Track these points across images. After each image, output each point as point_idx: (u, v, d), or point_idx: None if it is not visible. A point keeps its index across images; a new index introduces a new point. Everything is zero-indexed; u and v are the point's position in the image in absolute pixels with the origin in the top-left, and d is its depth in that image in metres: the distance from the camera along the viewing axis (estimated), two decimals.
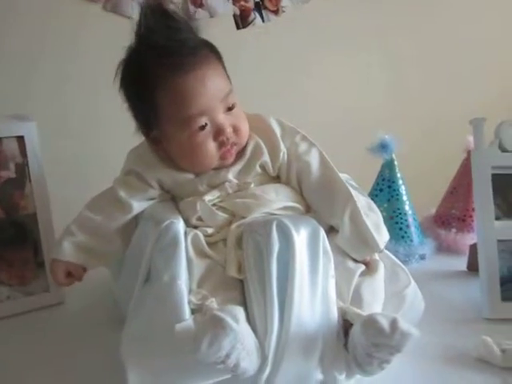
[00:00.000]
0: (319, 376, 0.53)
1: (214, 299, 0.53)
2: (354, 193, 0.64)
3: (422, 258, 0.92)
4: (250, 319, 0.53)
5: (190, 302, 0.53)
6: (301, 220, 0.58)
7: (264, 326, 0.52)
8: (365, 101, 1.30)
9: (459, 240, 0.95)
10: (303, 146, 0.65)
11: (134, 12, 1.27)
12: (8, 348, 0.67)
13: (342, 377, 0.52)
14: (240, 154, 0.64)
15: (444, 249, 0.96)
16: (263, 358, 0.51)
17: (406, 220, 0.93)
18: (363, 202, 0.64)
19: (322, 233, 0.57)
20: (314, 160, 0.64)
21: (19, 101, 1.09)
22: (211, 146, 0.62)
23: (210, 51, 0.63)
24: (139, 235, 0.62)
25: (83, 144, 1.03)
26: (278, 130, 0.65)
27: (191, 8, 1.35)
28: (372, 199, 0.94)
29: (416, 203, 0.99)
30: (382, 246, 0.62)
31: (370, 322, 0.49)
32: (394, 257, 0.65)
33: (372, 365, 0.50)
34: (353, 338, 0.51)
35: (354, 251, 0.61)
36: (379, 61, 1.36)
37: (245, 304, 0.54)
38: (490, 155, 0.75)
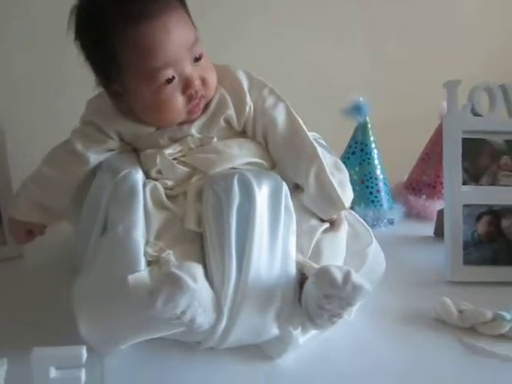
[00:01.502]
0: (275, 330, 0.52)
1: (171, 251, 0.52)
2: (320, 151, 0.62)
3: (391, 222, 0.92)
4: (207, 272, 0.52)
5: (146, 254, 0.52)
6: (264, 175, 0.57)
7: (221, 280, 0.51)
8: (342, 64, 1.28)
9: (428, 206, 0.96)
10: (270, 100, 0.62)
11: None
12: None
13: (297, 332, 0.52)
14: (204, 107, 0.61)
15: (413, 215, 0.96)
16: (219, 311, 0.50)
17: (376, 184, 0.93)
18: (329, 160, 0.63)
19: (285, 189, 0.56)
20: (280, 115, 0.62)
21: None
22: (179, 101, 0.59)
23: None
24: (96, 185, 0.59)
25: (44, 94, 0.98)
26: (245, 83, 0.62)
27: None
28: (344, 162, 0.92)
29: (389, 168, 0.99)
30: (347, 204, 0.61)
31: (323, 273, 0.48)
32: (357, 215, 0.65)
33: (322, 317, 0.50)
34: (306, 290, 0.51)
35: (320, 210, 0.60)
36: (358, 28, 1.33)
37: (203, 257, 0.53)
38: (461, 119, 0.74)
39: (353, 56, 1.31)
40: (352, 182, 0.91)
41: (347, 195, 0.61)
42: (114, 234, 0.52)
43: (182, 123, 0.61)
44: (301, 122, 0.62)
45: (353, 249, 0.60)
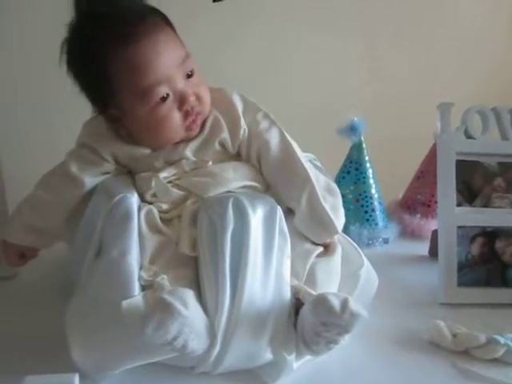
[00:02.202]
0: (269, 355, 0.52)
1: (165, 276, 0.52)
2: (314, 173, 0.63)
3: (386, 241, 0.93)
4: (201, 297, 0.52)
5: (140, 279, 0.52)
6: (258, 198, 0.57)
7: (215, 304, 0.51)
8: (337, 83, 1.29)
9: (423, 225, 0.96)
10: (264, 124, 0.63)
11: None
12: None
13: (291, 357, 0.52)
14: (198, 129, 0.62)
15: (408, 234, 0.96)
16: (213, 337, 0.50)
17: (371, 203, 0.93)
18: (322, 182, 0.63)
19: (280, 212, 0.56)
20: (274, 139, 0.62)
21: None
22: (176, 118, 0.59)
23: (158, 17, 0.60)
24: (91, 208, 0.59)
25: (37, 118, 0.98)
26: (239, 106, 0.63)
27: None
28: (339, 181, 0.94)
29: (383, 187, 0.99)
30: (339, 228, 0.61)
31: (321, 301, 0.48)
32: (347, 237, 0.65)
33: (319, 344, 0.50)
34: (302, 317, 0.51)
35: (312, 234, 0.60)
36: (357, 43, 1.35)
37: (197, 282, 0.53)
38: (455, 141, 0.74)
39: (348, 74, 1.33)
40: (347, 201, 0.93)
41: (340, 219, 0.62)
42: (109, 258, 0.52)
43: (177, 144, 0.62)
44: (294, 146, 0.63)
45: (345, 271, 0.60)
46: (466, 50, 1.36)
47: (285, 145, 0.62)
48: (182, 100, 0.59)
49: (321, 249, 0.60)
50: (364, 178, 0.93)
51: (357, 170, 0.93)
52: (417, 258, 0.88)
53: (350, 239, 0.65)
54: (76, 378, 0.43)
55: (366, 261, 0.62)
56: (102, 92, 0.60)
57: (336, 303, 0.47)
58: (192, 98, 0.59)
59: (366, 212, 0.92)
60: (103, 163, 0.62)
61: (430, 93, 1.32)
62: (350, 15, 1.33)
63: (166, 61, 0.57)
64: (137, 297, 0.50)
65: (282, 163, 0.62)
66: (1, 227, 0.67)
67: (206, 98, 0.61)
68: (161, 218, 0.58)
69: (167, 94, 0.58)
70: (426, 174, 1.00)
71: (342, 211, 0.62)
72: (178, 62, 0.58)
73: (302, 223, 0.60)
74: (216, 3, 1.35)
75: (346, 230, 0.90)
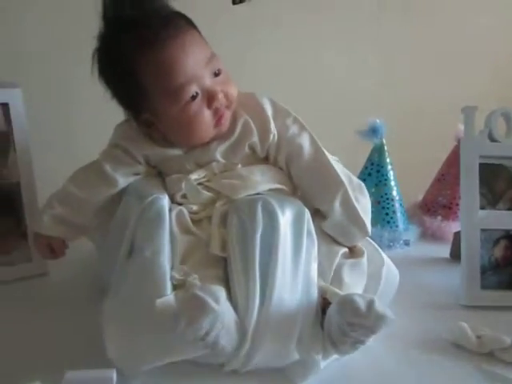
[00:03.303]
0: (297, 354, 0.53)
1: (196, 275, 0.53)
2: (346, 174, 0.64)
3: (407, 243, 0.93)
4: (231, 296, 0.53)
5: (172, 278, 0.53)
6: (286, 200, 0.58)
7: (245, 304, 0.52)
8: (357, 85, 1.30)
9: (444, 227, 0.96)
10: (294, 129, 0.64)
11: None
12: None
13: (318, 356, 0.53)
14: (228, 132, 0.63)
15: (429, 236, 0.97)
16: (243, 335, 0.52)
17: (392, 205, 0.94)
18: (355, 183, 0.64)
19: (307, 214, 0.57)
20: (304, 144, 0.63)
21: (3, 67, 1.06)
22: (207, 115, 0.61)
23: (182, 20, 0.61)
24: (123, 209, 0.61)
25: (69, 113, 1.01)
26: (269, 111, 0.64)
27: None
28: None
29: (404, 189, 1.00)
30: (370, 231, 0.62)
31: (347, 301, 0.49)
32: (368, 238, 0.66)
33: (345, 344, 0.51)
34: (329, 316, 0.52)
35: (345, 237, 0.61)
36: (373, 46, 1.35)
37: (226, 281, 0.55)
38: (478, 144, 0.75)
39: (366, 76, 1.33)
40: None
41: (369, 220, 0.63)
42: (142, 259, 0.54)
43: (207, 146, 0.63)
44: (324, 150, 0.64)
45: (368, 271, 0.61)
46: (484, 47, 1.36)
47: (315, 149, 0.63)
48: (210, 98, 0.60)
49: (345, 249, 0.61)
50: (385, 180, 0.94)
51: (378, 172, 0.94)
52: (438, 259, 0.89)
53: (369, 239, 0.65)
54: (114, 374, 0.44)
55: (386, 259, 0.63)
56: (134, 97, 0.62)
57: (362, 304, 0.48)
58: (221, 96, 0.60)
59: (387, 214, 0.93)
60: (135, 164, 0.64)
61: (449, 94, 1.32)
62: (367, 22, 1.34)
63: (193, 61, 0.59)
64: (169, 296, 0.51)
65: (313, 168, 0.62)
66: (33, 223, 0.69)
67: (233, 95, 0.62)
68: (191, 219, 0.59)
69: (196, 93, 0.60)
70: (447, 175, 1.00)
71: (370, 213, 0.63)
72: (204, 62, 0.60)
73: (334, 226, 0.61)
74: (236, 5, 1.37)
75: None
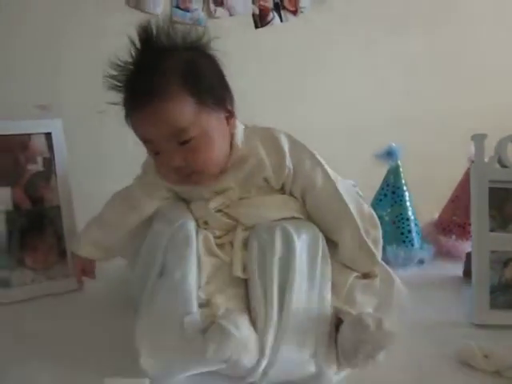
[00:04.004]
0: (312, 368, 0.58)
1: (220, 296, 0.59)
2: (358, 204, 0.67)
3: (421, 262, 0.97)
4: (251, 314, 0.59)
5: (198, 297, 0.59)
6: (303, 226, 0.63)
7: (264, 321, 0.57)
8: (375, 107, 1.34)
9: (458, 246, 0.99)
10: (309, 164, 0.67)
11: (155, 8, 1.32)
12: (29, 328, 0.73)
13: (331, 370, 0.57)
14: (240, 164, 0.66)
15: (443, 254, 1.00)
16: (262, 350, 0.56)
17: (407, 225, 0.97)
18: (366, 213, 0.68)
19: (322, 239, 0.62)
20: (318, 179, 0.66)
21: (45, 92, 1.15)
22: (168, 170, 0.64)
23: (180, 80, 0.61)
24: (154, 233, 0.67)
25: (106, 141, 1.09)
26: (286, 146, 0.67)
27: (212, 6, 1.39)
28: (376, 204, 0.99)
29: (419, 208, 1.03)
30: (379, 260, 0.66)
31: (358, 320, 0.54)
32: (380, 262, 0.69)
33: (357, 358, 0.55)
34: (342, 333, 0.56)
35: (355, 265, 0.65)
36: (392, 69, 1.39)
37: (247, 300, 0.60)
38: (488, 169, 0.78)
39: (385, 99, 1.37)
40: (384, 223, 0.98)
41: (380, 250, 0.67)
42: (172, 280, 0.60)
43: (222, 174, 0.66)
44: (337, 184, 0.66)
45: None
46: (501, 74, 1.38)
47: (329, 185, 0.66)
48: (167, 161, 0.63)
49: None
50: (401, 201, 0.97)
51: (393, 193, 0.98)
52: (451, 278, 0.92)
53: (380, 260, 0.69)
54: (147, 382, 0.50)
55: (396, 278, 0.67)
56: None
57: (371, 323, 0.53)
58: (177, 161, 0.62)
59: (403, 234, 0.97)
60: (163, 190, 0.70)
61: (463, 114, 1.35)
62: (387, 40, 1.38)
63: (157, 129, 0.61)
64: (195, 313, 0.57)
65: (325, 203, 0.66)
66: (71, 242, 0.76)
67: (200, 160, 0.63)
68: (215, 243, 0.64)
69: (157, 152, 0.64)
70: (462, 196, 1.03)
71: (381, 242, 0.67)
72: (171, 132, 0.61)
73: (344, 257, 0.65)
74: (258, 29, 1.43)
75: (383, 250, 0.95)
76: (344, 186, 0.69)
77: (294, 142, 0.68)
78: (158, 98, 0.61)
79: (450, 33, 1.44)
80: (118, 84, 0.64)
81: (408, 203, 0.98)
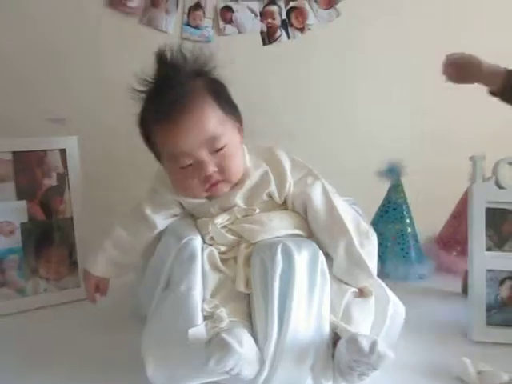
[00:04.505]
0: (309, 381, 0.61)
1: (223, 309, 0.62)
2: (355, 219, 0.71)
3: (421, 277, 0.99)
4: (253, 328, 0.62)
5: (203, 310, 0.62)
6: (303, 243, 0.66)
7: (264, 335, 0.60)
8: (380, 127, 1.36)
9: (458, 263, 1.01)
10: (309, 180, 0.71)
11: (167, 26, 1.37)
12: (42, 335, 0.77)
13: (328, 383, 0.60)
14: (247, 180, 0.71)
15: (443, 270, 1.02)
16: (262, 363, 0.59)
17: (408, 241, 1.00)
18: (362, 227, 0.70)
19: (321, 256, 0.65)
20: (317, 194, 0.70)
21: (60, 107, 1.20)
22: (195, 181, 0.69)
23: (206, 94, 0.69)
24: (162, 247, 0.71)
25: (119, 156, 1.13)
26: (287, 164, 0.72)
27: (221, 24, 1.43)
28: (377, 220, 1.02)
29: (422, 224, 1.06)
30: (375, 274, 0.69)
31: (353, 341, 0.56)
32: (375, 276, 0.71)
33: (352, 376, 0.58)
34: (338, 351, 0.59)
35: (349, 279, 0.68)
36: (395, 86, 1.41)
37: (250, 314, 0.63)
38: (485, 190, 0.81)
39: (390, 119, 1.39)
40: (385, 239, 1.00)
41: (375, 264, 0.69)
42: (177, 293, 0.63)
43: (229, 192, 0.71)
44: (334, 199, 0.70)
45: (375, 309, 0.67)
46: None
47: (326, 199, 0.70)
48: (200, 169, 0.68)
49: (355, 288, 0.68)
50: (401, 217, 1.00)
51: (394, 209, 1.01)
52: (451, 294, 0.94)
53: (377, 278, 0.71)
54: None
55: (392, 297, 0.69)
56: (153, 150, 0.73)
57: (366, 345, 0.55)
58: (211, 168, 0.68)
59: (403, 249, 0.99)
60: (172, 207, 0.74)
61: (466, 131, 1.37)
62: (393, 59, 1.41)
63: (192, 139, 0.67)
64: (200, 325, 0.60)
65: (322, 216, 0.69)
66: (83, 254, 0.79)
67: (233, 168, 0.69)
68: (220, 259, 0.67)
69: (190, 164, 0.69)
70: (463, 213, 1.05)
71: (376, 255, 0.70)
72: (204, 140, 0.67)
73: (339, 269, 0.68)
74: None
75: (383, 265, 0.99)
76: (341, 202, 0.72)
77: (294, 160, 0.73)
78: (193, 109, 0.67)
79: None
80: (147, 98, 0.70)
81: (408, 220, 1.00)
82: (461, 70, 1.01)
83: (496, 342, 0.76)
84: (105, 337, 0.76)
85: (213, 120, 0.69)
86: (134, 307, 0.78)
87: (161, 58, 0.69)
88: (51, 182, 0.85)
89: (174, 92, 0.68)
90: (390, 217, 1.01)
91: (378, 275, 0.95)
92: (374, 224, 1.01)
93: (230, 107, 0.73)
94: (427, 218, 1.15)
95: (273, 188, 0.71)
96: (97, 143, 1.07)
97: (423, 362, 0.71)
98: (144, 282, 0.73)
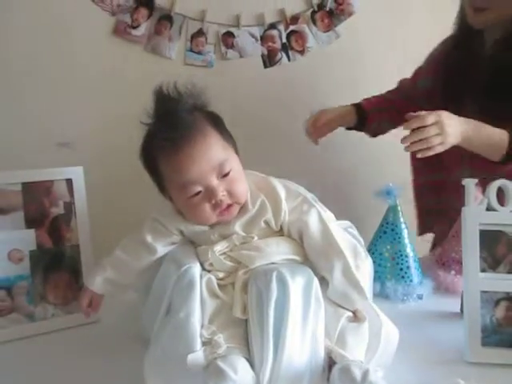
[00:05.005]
0: None
1: (221, 335, 0.64)
2: (351, 243, 0.74)
3: (420, 297, 1.00)
4: (250, 352, 0.64)
5: (201, 336, 0.65)
6: (298, 270, 0.68)
7: (260, 360, 0.62)
8: (375, 146, 1.39)
9: (457, 282, 1.03)
10: (304, 207, 0.75)
11: (170, 53, 1.42)
12: (50, 359, 0.80)
13: None
14: (246, 209, 0.75)
15: (442, 290, 1.03)
16: None
17: (406, 261, 1.01)
18: (358, 252, 0.74)
19: (316, 282, 0.67)
20: (312, 221, 0.73)
21: (67, 135, 1.25)
22: (206, 208, 0.73)
23: (207, 124, 0.74)
24: (163, 274, 0.74)
25: (124, 189, 1.17)
26: (282, 193, 0.76)
27: (223, 49, 1.48)
28: (376, 241, 1.04)
29: (421, 243, 1.08)
30: (369, 297, 0.71)
31: (346, 370, 0.59)
32: (369, 300, 0.73)
33: None
34: (333, 378, 0.61)
35: (344, 301, 0.70)
36: None
37: (247, 339, 0.65)
38: (478, 213, 0.82)
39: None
40: (383, 259, 1.02)
41: (369, 287, 0.72)
42: (177, 319, 0.66)
43: (229, 222, 0.75)
44: (329, 225, 0.73)
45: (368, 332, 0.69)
46: None
47: (322, 225, 0.74)
48: (211, 195, 0.73)
49: (349, 313, 0.70)
50: (399, 238, 1.02)
51: (393, 230, 1.02)
52: (449, 314, 0.95)
53: (371, 303, 0.73)
54: None
55: (385, 321, 0.71)
56: (158, 182, 0.77)
57: (358, 374, 0.58)
58: (222, 194, 0.72)
59: (402, 269, 1.01)
60: (172, 235, 0.77)
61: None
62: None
63: (200, 168, 0.71)
64: (198, 352, 0.63)
65: (318, 241, 0.72)
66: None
67: (240, 191, 0.74)
68: (218, 285, 0.70)
69: (200, 191, 0.73)
70: (460, 233, 1.07)
71: (370, 278, 0.73)
72: (213, 166, 0.72)
73: (335, 292, 0.70)
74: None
75: (382, 286, 1.00)
76: (336, 227, 0.75)
77: (288, 189, 0.77)
78: (198, 138, 0.71)
79: None
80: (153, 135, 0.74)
81: (406, 240, 1.02)
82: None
83: (492, 363, 0.78)
84: (109, 359, 0.79)
85: (217, 147, 0.73)
86: (138, 330, 0.81)
87: (159, 95, 0.74)
88: (58, 210, 0.89)
89: (177, 124, 0.72)
90: (389, 237, 1.02)
91: (378, 296, 0.98)
92: (373, 245, 1.04)
93: (228, 136, 0.78)
94: (428, 238, 1.17)
95: (269, 216, 0.74)
96: (102, 170, 1.12)
97: (418, 383, 0.72)
98: (147, 306, 0.76)
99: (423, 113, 0.91)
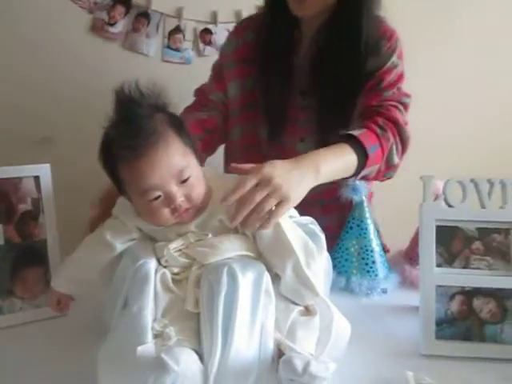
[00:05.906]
0: None
1: (172, 328, 0.66)
2: (303, 240, 0.75)
3: (384, 291, 1.02)
4: (200, 345, 0.66)
5: (153, 329, 0.66)
6: (249, 265, 0.70)
7: (209, 352, 0.64)
8: None
9: None
10: None
11: (148, 49, 1.43)
12: (17, 351, 0.82)
13: None
14: (202, 209, 0.77)
15: (408, 284, 1.05)
16: (206, 379, 0.63)
17: (372, 256, 1.03)
18: (310, 248, 0.74)
19: (266, 277, 0.69)
20: None
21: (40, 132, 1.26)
22: (165, 212, 0.74)
23: (168, 128, 0.74)
24: (121, 269, 0.76)
25: (89, 184, 1.18)
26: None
27: (201, 46, 1.49)
28: (343, 236, 1.06)
29: (393, 239, 1.09)
30: (321, 292, 0.73)
31: (288, 362, 0.61)
32: (321, 295, 0.74)
33: None
34: (279, 369, 0.63)
35: (296, 297, 0.72)
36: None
37: (199, 332, 0.67)
38: (434, 209, 0.84)
39: None
40: (350, 254, 1.04)
41: (321, 282, 0.73)
42: (130, 312, 0.68)
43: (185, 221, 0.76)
44: (281, 223, 0.74)
45: (319, 326, 0.71)
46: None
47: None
48: (169, 201, 0.73)
49: (301, 307, 0.72)
50: (365, 233, 1.04)
51: (358, 226, 1.04)
52: (412, 308, 0.96)
53: (323, 296, 0.74)
54: None
55: (336, 315, 0.72)
56: (117, 184, 0.78)
57: (299, 365, 0.60)
58: (180, 199, 0.73)
59: (367, 264, 1.03)
60: (131, 232, 0.79)
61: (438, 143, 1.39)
62: None
63: (161, 174, 0.72)
64: (149, 344, 0.65)
65: (270, 239, 0.74)
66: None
67: (197, 195, 0.75)
68: (173, 280, 0.72)
69: (159, 196, 0.74)
70: None
71: (321, 274, 0.74)
72: (172, 174, 0.72)
73: (286, 289, 0.72)
74: None
75: (348, 280, 1.02)
76: (289, 222, 0.76)
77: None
78: (159, 144, 0.72)
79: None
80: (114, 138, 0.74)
81: (372, 235, 1.04)
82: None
83: (445, 356, 0.80)
84: (75, 352, 0.80)
85: (178, 153, 0.74)
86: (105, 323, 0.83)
87: (119, 96, 0.74)
88: (26, 206, 0.90)
89: (138, 131, 0.72)
90: (355, 233, 1.04)
91: (344, 291, 1.00)
92: (340, 240, 1.05)
93: (188, 138, 0.78)
94: (399, 233, 1.18)
95: (223, 215, 0.75)
96: (69, 168, 1.13)
97: (372, 376, 0.74)
98: (108, 299, 0.78)
99: (239, 178, 0.75)
